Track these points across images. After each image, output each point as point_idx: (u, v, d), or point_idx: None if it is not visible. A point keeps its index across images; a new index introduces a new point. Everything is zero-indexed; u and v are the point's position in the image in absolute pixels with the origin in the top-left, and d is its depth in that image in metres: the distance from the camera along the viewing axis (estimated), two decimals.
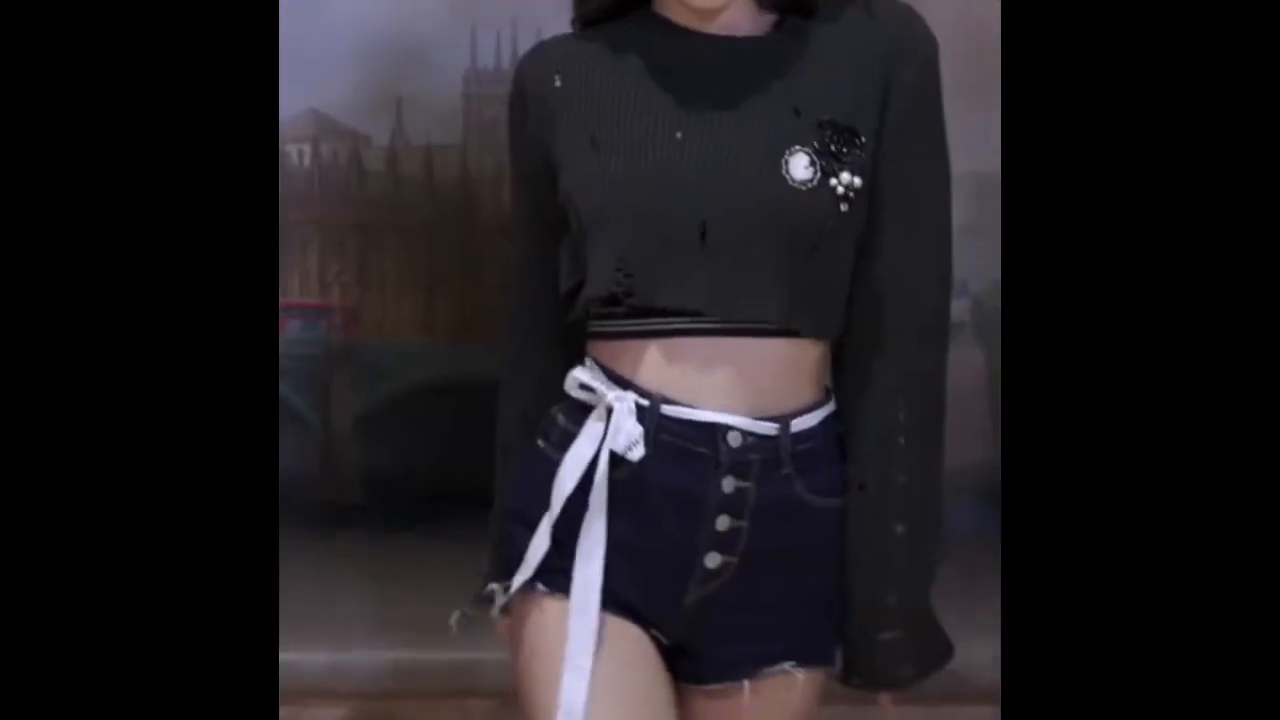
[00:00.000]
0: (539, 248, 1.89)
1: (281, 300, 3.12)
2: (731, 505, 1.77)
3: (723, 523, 1.77)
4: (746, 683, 1.82)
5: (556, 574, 1.79)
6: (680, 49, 1.83)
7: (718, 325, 1.76)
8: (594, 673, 1.77)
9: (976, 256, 3.08)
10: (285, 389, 3.14)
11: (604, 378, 1.81)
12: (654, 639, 1.83)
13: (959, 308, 3.21)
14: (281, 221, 3.11)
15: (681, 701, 1.86)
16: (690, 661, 1.84)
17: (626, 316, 1.78)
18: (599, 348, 1.83)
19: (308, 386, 3.15)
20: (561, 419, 1.84)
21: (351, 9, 3.00)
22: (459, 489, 2.15)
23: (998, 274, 2.82)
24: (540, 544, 1.79)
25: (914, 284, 1.86)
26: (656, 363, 1.78)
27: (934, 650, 1.92)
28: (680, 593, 1.80)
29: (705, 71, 1.81)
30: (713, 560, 1.78)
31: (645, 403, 1.77)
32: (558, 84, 1.84)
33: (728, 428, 1.76)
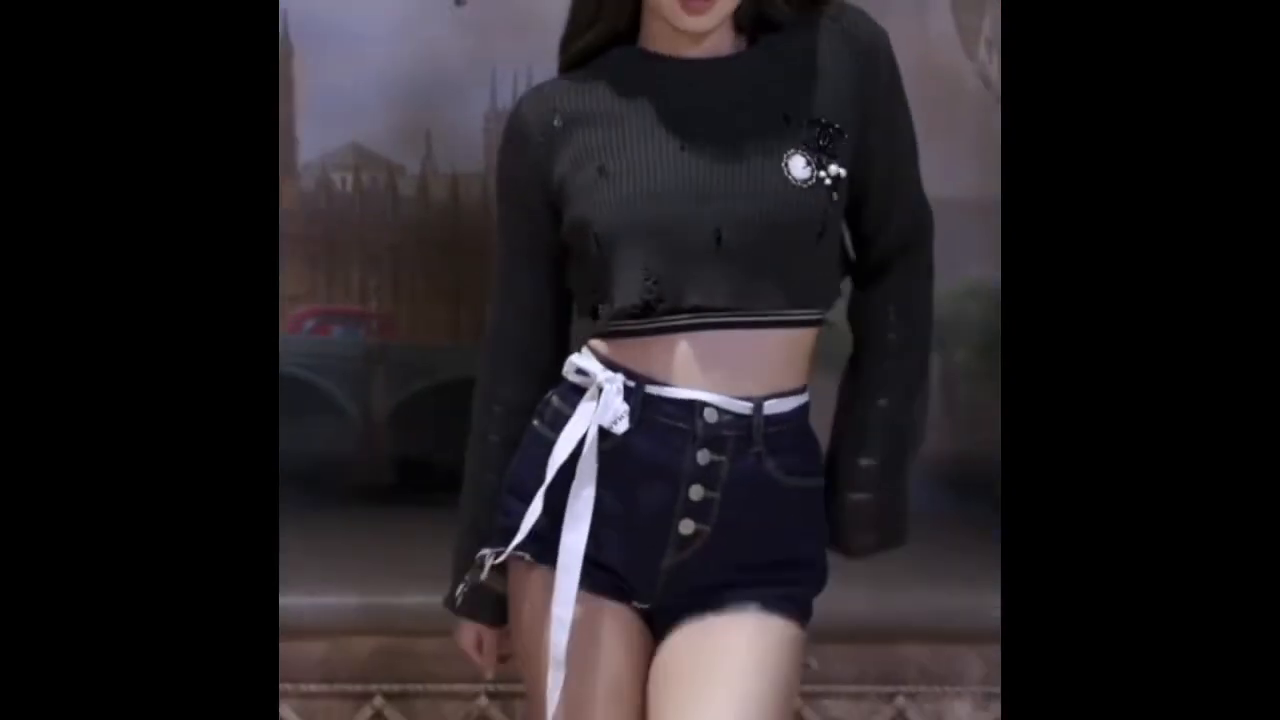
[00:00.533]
0: (530, 279, 1.96)
1: (326, 308, 3.46)
2: (705, 476, 1.85)
3: (696, 492, 1.85)
4: (710, 614, 1.88)
5: (550, 547, 1.88)
6: (670, 74, 1.89)
7: (715, 320, 1.84)
8: (576, 659, 1.85)
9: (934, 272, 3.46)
10: (329, 385, 3.42)
11: (598, 363, 1.89)
12: (635, 610, 1.91)
13: None
14: (326, 240, 3.44)
15: (656, 644, 1.92)
16: (665, 616, 1.92)
17: (634, 318, 1.85)
18: (600, 342, 1.91)
19: (349, 383, 3.43)
20: (556, 400, 1.92)
21: (388, 55, 3.27)
22: None
23: (949, 286, 3.06)
24: (534, 510, 1.87)
25: (910, 229, 2.03)
26: (649, 352, 1.86)
27: (896, 527, 2.04)
28: (658, 557, 1.88)
29: (697, 91, 1.88)
30: (686, 527, 1.86)
31: (632, 384, 1.85)
32: (557, 123, 1.90)
33: (704, 404, 1.84)
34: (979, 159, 3.44)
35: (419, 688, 2.65)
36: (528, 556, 1.89)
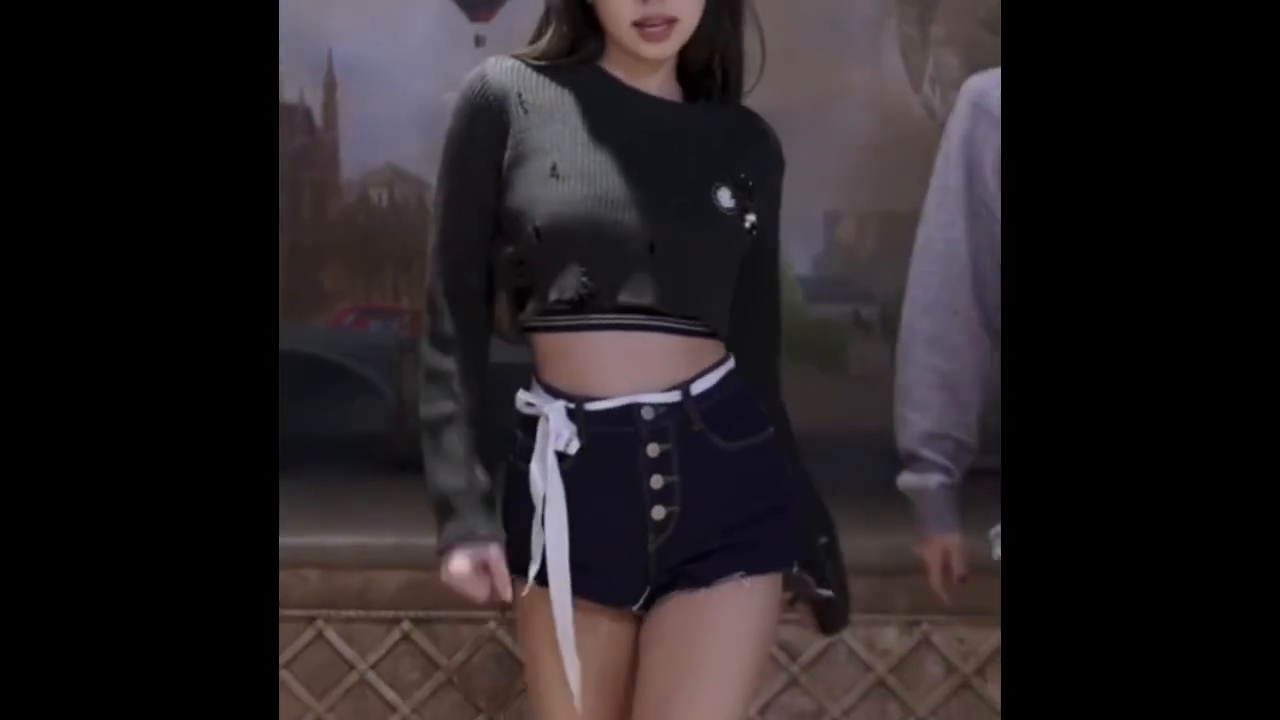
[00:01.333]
0: (477, 235, 1.99)
1: (365, 305, 3.85)
2: (660, 466, 1.93)
3: (656, 481, 1.93)
4: (704, 590, 1.93)
5: (542, 568, 1.94)
6: (627, 102, 1.98)
7: (637, 322, 1.92)
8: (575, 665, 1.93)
9: (884, 274, 3.76)
10: (367, 371, 3.80)
11: (543, 393, 1.95)
12: (625, 615, 1.97)
13: (871, 312, 3.84)
14: (365, 247, 3.85)
15: (649, 619, 1.97)
16: (659, 593, 1.96)
17: (563, 314, 1.92)
18: (539, 366, 1.97)
19: (384, 369, 3.81)
20: (520, 434, 1.98)
21: (418, 88, 3.64)
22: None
23: (897, 287, 3.35)
24: (537, 540, 1.93)
25: (776, 298, 2.14)
26: (577, 358, 1.93)
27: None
28: (643, 544, 1.95)
29: (643, 118, 1.98)
30: (658, 513, 1.94)
31: (572, 405, 1.92)
32: (521, 103, 1.95)
33: (640, 405, 1.92)
34: (925, 178, 3.82)
35: (440, 614, 2.87)
36: (533, 582, 1.96)
